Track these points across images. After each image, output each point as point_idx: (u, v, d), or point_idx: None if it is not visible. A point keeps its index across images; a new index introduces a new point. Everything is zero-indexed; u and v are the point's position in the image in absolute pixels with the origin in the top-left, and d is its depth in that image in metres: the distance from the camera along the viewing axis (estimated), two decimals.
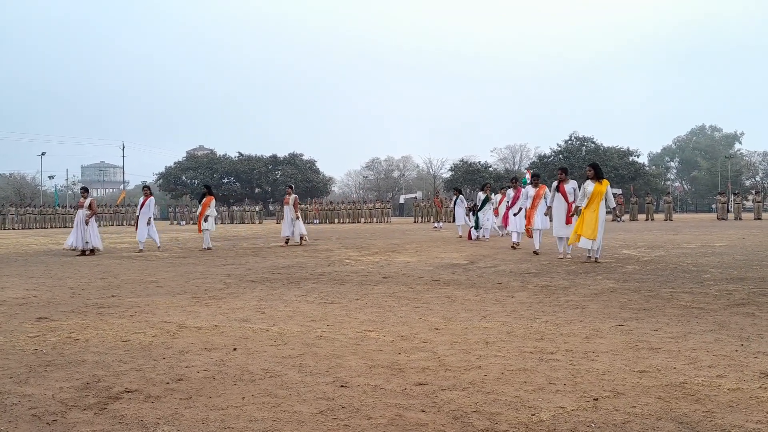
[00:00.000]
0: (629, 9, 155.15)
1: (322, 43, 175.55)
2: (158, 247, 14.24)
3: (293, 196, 15.03)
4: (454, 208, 19.53)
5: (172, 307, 5.69)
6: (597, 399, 2.82)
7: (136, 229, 14.23)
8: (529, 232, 11.65)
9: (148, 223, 13.90)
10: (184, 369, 3.45)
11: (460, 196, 19.38)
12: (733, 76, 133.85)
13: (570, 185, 10.20)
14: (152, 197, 14.39)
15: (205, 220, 14.22)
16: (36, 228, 39.20)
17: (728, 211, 33.86)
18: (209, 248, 14.06)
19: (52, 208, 45.71)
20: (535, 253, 10.94)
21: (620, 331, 4.32)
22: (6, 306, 5.92)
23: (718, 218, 32.96)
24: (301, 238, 15.04)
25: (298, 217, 14.94)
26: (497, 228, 17.34)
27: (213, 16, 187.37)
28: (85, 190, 13.99)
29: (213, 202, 14.53)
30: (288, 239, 15.01)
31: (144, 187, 15.25)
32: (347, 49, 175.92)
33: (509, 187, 14.51)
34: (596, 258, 9.26)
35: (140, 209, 14.08)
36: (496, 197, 17.27)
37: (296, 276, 8.25)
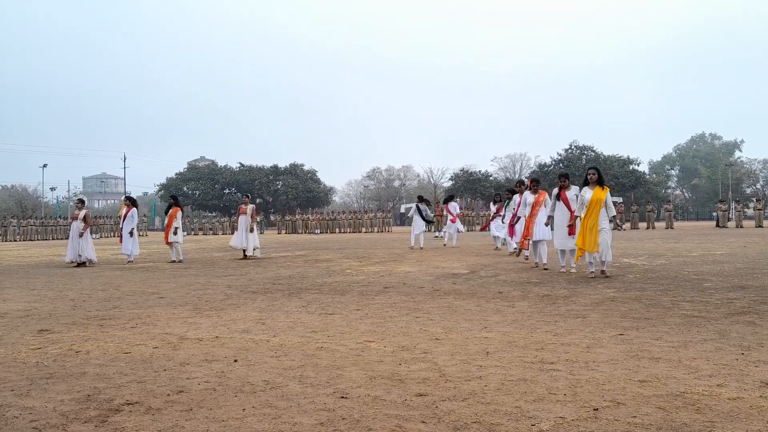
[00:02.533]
0: (629, 18, 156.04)
1: (323, 54, 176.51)
2: (128, 262, 13.52)
3: (251, 205, 14.33)
4: (413, 216, 17.31)
5: (173, 319, 5.70)
6: (597, 409, 2.82)
7: (120, 241, 14.05)
8: (524, 245, 10.71)
9: (131, 235, 13.62)
10: (185, 381, 3.45)
11: (423, 204, 18.33)
12: (732, 83, 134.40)
13: (572, 192, 9.31)
14: (135, 209, 14.06)
15: (175, 233, 13.76)
16: (37, 240, 39.22)
17: (729, 219, 33.83)
18: (180, 261, 13.59)
19: (54, 219, 45.76)
20: (545, 268, 10.01)
21: (621, 341, 4.32)
22: (7, 318, 5.93)
23: (716, 226, 32.90)
24: (253, 250, 14.13)
25: (253, 229, 14.19)
26: (494, 239, 16.79)
27: (214, 28, 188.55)
28: (80, 202, 13.89)
29: (179, 213, 14.03)
30: (245, 251, 14.15)
31: (125, 198, 14.78)
32: (347, 60, 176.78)
33: (514, 193, 13.21)
34: (603, 270, 8.53)
35: (123, 221, 13.81)
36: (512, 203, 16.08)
37: (297, 287, 8.26)
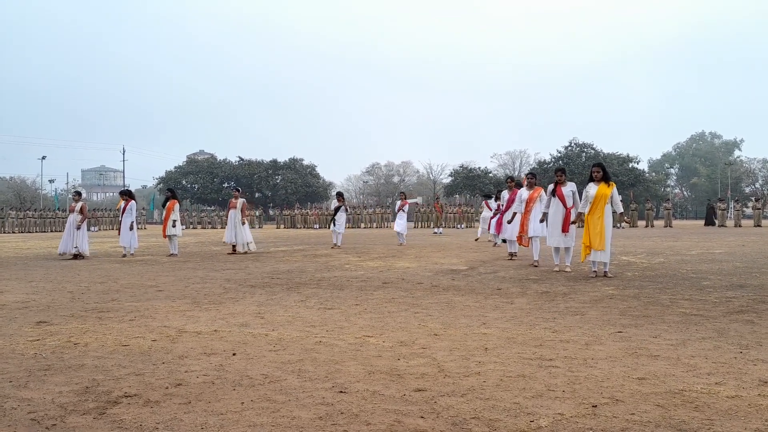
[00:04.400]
0: (629, 16, 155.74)
1: (323, 50, 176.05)
2: (124, 255, 13.43)
3: (241, 200, 14.20)
4: (334, 214, 16.46)
5: (172, 312, 5.70)
6: (596, 406, 2.82)
7: (119, 234, 14.06)
8: (521, 241, 10.54)
9: (131, 228, 13.58)
10: (184, 374, 3.45)
11: (344, 203, 17.10)
12: (732, 83, 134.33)
13: (568, 188, 9.02)
14: (133, 201, 14.03)
15: (173, 225, 13.77)
16: (36, 232, 39.14)
17: (727, 218, 33.85)
18: (174, 254, 13.50)
19: (53, 211, 45.68)
20: (535, 264, 9.93)
21: (619, 338, 4.33)
22: (6, 310, 5.92)
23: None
24: (247, 244, 14.01)
25: (244, 223, 13.98)
26: (492, 236, 16.55)
27: (215, 22, 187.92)
28: (77, 194, 13.88)
29: (177, 206, 14.00)
30: (234, 246, 14.00)
31: (123, 191, 14.67)
32: (347, 55, 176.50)
33: (506, 188, 12.82)
34: (605, 272, 8.24)
35: (122, 214, 13.78)
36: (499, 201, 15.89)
37: (296, 281, 8.25)
